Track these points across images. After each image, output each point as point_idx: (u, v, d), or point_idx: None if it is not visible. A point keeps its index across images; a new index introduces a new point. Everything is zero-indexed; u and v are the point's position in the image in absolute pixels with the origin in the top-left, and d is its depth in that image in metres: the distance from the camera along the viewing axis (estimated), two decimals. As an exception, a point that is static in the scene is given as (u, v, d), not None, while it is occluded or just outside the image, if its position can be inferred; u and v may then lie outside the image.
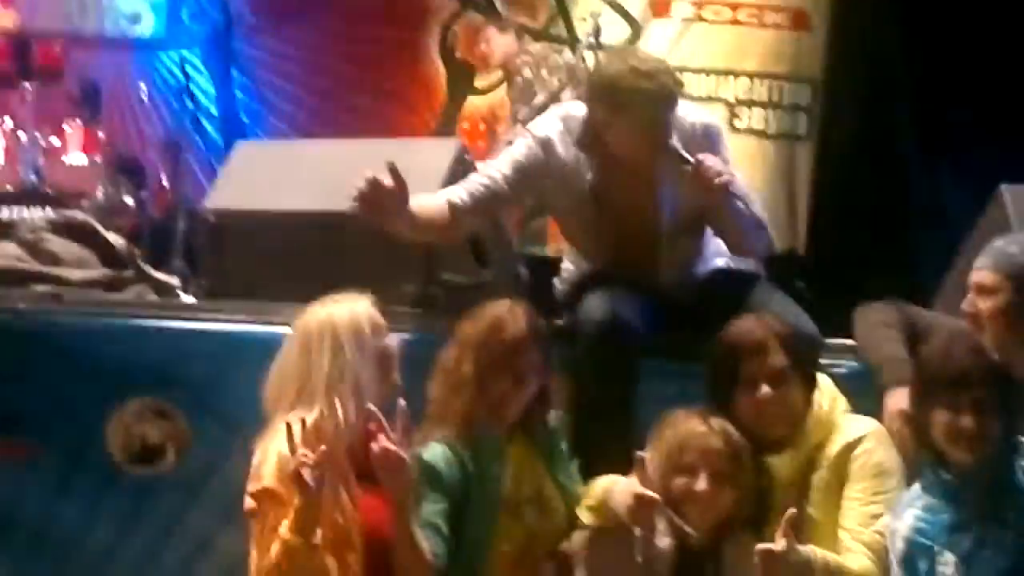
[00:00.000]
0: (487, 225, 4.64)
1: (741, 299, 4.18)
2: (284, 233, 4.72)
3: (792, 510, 3.42)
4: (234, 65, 8.92)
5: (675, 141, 4.15)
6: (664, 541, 3.54)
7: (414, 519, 3.56)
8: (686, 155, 4.09)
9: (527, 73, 7.33)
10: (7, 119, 7.37)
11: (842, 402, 3.81)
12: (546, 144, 4.32)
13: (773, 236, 4.51)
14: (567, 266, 4.62)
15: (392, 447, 3.48)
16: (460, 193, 4.27)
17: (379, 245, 4.30)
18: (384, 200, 3.98)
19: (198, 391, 4.54)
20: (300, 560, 3.40)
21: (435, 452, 3.69)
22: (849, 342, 4.18)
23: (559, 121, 4.37)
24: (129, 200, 7.44)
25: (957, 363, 3.43)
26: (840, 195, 7.59)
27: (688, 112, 4.28)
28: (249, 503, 3.55)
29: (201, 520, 4.50)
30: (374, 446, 3.48)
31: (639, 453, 3.57)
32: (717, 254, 4.46)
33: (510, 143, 4.73)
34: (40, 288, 4.87)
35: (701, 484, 3.56)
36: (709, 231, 4.41)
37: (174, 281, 5.35)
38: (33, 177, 7.10)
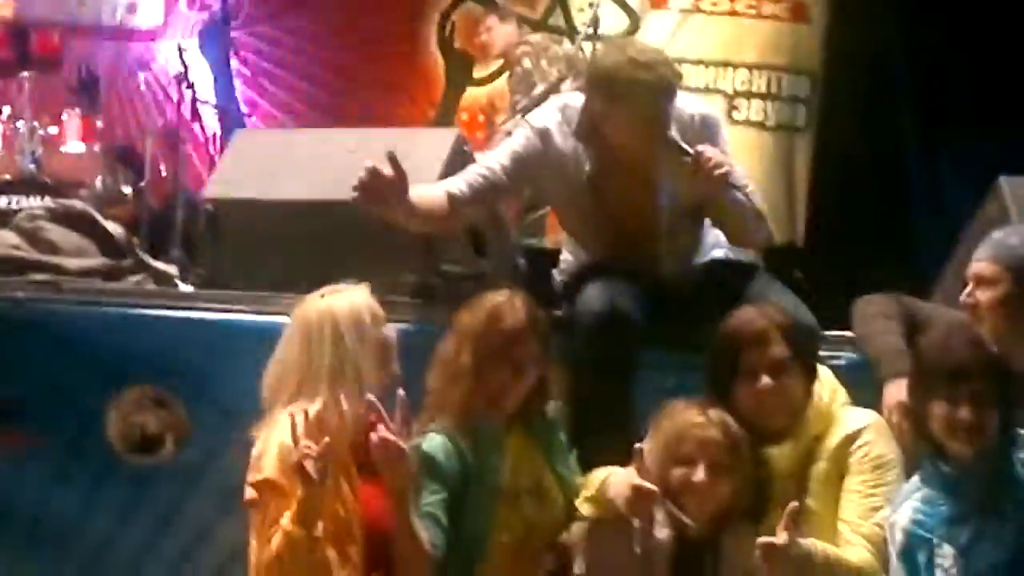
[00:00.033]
0: (486, 216, 4.64)
1: (740, 290, 4.18)
2: (282, 222, 4.71)
3: (794, 503, 3.41)
4: (232, 54, 8.91)
5: (674, 132, 4.15)
6: (662, 532, 3.54)
7: (413, 510, 3.56)
8: (685, 147, 4.09)
9: (527, 63, 7.33)
10: (5, 108, 7.37)
11: (842, 394, 3.81)
12: (544, 135, 4.32)
13: (772, 227, 4.50)
14: (566, 257, 4.62)
15: (391, 437, 3.48)
16: (459, 184, 4.27)
17: (378, 235, 4.30)
18: (384, 190, 3.98)
19: (197, 380, 4.54)
20: (301, 552, 3.40)
21: (434, 443, 3.69)
22: (847, 334, 4.18)
23: (557, 112, 4.37)
24: (127, 189, 7.44)
25: (955, 355, 3.42)
26: (839, 186, 7.58)
27: (687, 103, 4.28)
28: (250, 493, 3.54)
29: (200, 509, 4.49)
30: (373, 436, 3.49)
31: (637, 445, 3.57)
32: (716, 245, 4.46)
33: (509, 134, 4.73)
34: (38, 277, 4.86)
35: (699, 475, 3.55)
36: (708, 222, 4.41)
37: (172, 270, 5.34)
38: (31, 166, 7.10)
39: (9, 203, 6.73)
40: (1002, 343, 3.56)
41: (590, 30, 6.80)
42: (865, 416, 3.74)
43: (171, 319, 4.66)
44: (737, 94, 7.92)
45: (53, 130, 7.37)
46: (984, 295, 3.70)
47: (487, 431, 3.75)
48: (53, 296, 4.76)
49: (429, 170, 4.49)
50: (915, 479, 3.53)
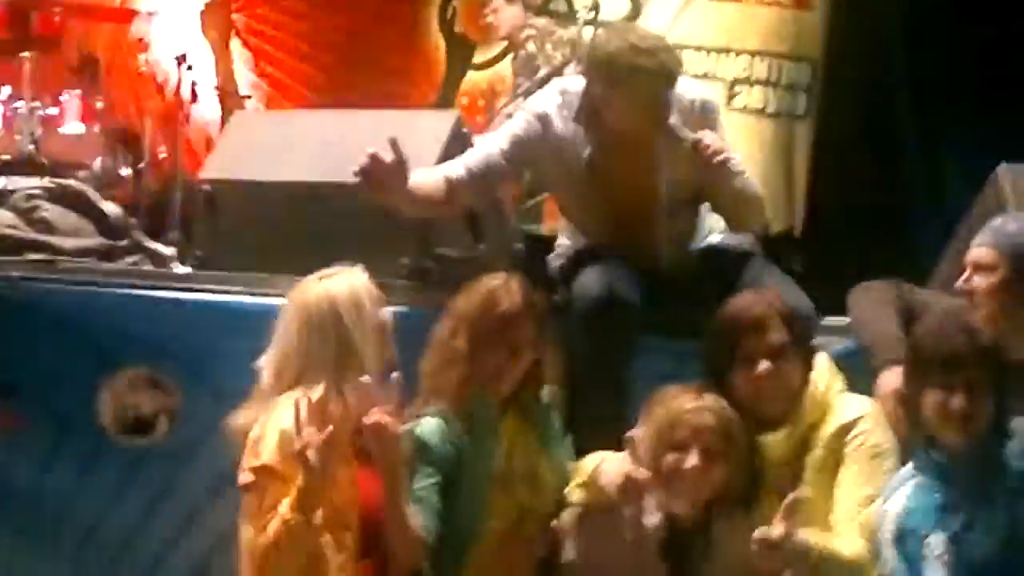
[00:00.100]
0: (484, 199, 4.63)
1: (737, 275, 4.19)
2: (280, 204, 4.71)
3: (792, 495, 3.40)
4: (233, 36, 8.89)
5: (674, 119, 4.14)
6: (653, 519, 3.53)
7: (405, 493, 3.55)
8: (685, 133, 4.08)
9: (531, 47, 7.31)
10: (5, 88, 7.34)
11: (839, 382, 3.80)
12: (544, 119, 4.32)
13: (770, 214, 4.50)
14: (562, 242, 4.61)
15: (385, 420, 3.47)
16: (458, 168, 4.27)
17: (375, 217, 4.29)
18: (385, 176, 3.97)
19: (192, 362, 4.53)
20: (299, 539, 3.38)
21: (428, 426, 3.68)
22: (844, 321, 4.17)
23: (557, 95, 4.36)
24: (126, 170, 7.43)
25: (950, 343, 3.41)
26: (838, 174, 7.56)
27: (687, 87, 4.28)
28: (246, 478, 3.51)
29: (192, 491, 4.49)
30: (367, 419, 3.47)
31: (629, 433, 3.56)
32: (713, 230, 4.46)
33: (510, 116, 4.72)
34: (34, 256, 4.85)
35: (692, 460, 3.54)
36: (705, 207, 4.40)
37: (169, 251, 5.33)
38: (30, 147, 7.07)
39: (7, 184, 6.71)
40: (999, 329, 3.55)
41: (591, 15, 6.77)
42: (862, 404, 3.73)
43: (167, 300, 4.66)
44: (738, 81, 7.88)
45: (53, 111, 7.35)
46: (982, 281, 3.70)
47: (482, 415, 3.74)
48: (49, 276, 4.75)
49: (428, 152, 4.49)
50: (908, 467, 3.52)
